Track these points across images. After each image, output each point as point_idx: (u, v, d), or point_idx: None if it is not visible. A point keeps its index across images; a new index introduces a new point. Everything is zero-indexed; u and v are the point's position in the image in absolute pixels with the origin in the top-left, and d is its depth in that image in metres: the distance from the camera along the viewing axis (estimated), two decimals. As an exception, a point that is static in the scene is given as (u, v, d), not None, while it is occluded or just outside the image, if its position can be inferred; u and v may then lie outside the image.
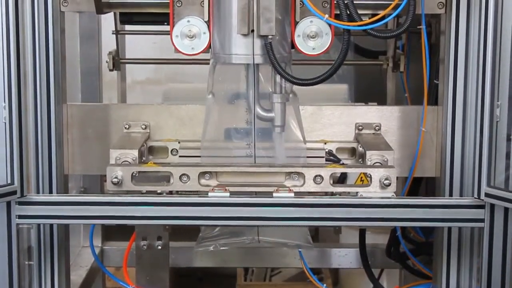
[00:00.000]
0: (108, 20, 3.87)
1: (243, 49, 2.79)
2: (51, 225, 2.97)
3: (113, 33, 3.75)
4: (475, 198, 2.75)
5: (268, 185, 2.81)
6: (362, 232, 3.76)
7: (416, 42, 3.55)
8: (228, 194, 2.71)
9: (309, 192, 2.82)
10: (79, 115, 3.13)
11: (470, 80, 2.92)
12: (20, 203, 2.72)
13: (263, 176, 2.84)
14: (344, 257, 4.23)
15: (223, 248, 3.23)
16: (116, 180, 2.78)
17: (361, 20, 2.73)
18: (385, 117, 3.16)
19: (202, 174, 2.81)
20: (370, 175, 2.80)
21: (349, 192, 2.86)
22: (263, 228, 3.25)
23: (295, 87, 2.94)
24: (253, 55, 2.79)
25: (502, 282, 2.76)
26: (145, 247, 3.82)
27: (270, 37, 2.75)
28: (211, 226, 3.38)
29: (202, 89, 3.03)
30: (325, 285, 3.28)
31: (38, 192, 2.96)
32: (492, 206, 2.72)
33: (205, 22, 2.85)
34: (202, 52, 2.86)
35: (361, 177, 2.98)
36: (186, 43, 2.86)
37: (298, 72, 2.85)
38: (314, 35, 2.83)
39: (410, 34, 3.66)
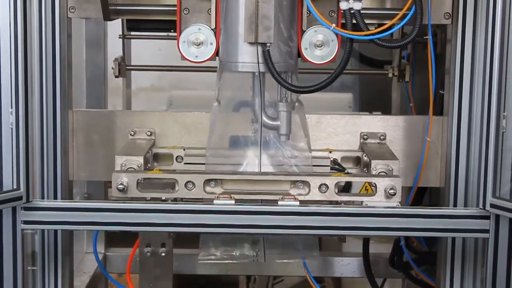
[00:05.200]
0: (113, 26, 3.88)
1: (249, 57, 2.78)
2: (56, 231, 2.97)
3: (119, 37, 3.75)
4: (480, 208, 2.75)
5: (273, 193, 2.81)
6: (366, 241, 3.76)
7: (421, 52, 3.55)
8: (233, 202, 2.71)
9: (314, 201, 2.82)
10: (85, 121, 3.14)
11: (476, 91, 2.92)
12: (26, 209, 2.71)
13: (268, 184, 2.83)
14: (347, 266, 4.22)
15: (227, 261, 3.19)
16: (121, 186, 2.78)
17: (368, 29, 2.73)
18: (390, 127, 3.16)
19: (207, 182, 2.80)
20: (375, 184, 2.80)
21: (354, 202, 2.86)
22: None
23: (301, 96, 2.94)
24: (258, 63, 2.79)
25: (506, 293, 2.77)
26: (148, 253, 3.81)
27: (268, 44, 2.75)
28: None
29: (206, 96, 3.03)
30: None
31: (42, 198, 2.97)
32: (497, 216, 2.72)
33: (212, 30, 2.85)
34: (208, 59, 2.86)
35: (366, 186, 2.98)
36: (192, 51, 2.85)
37: (306, 82, 2.84)
38: (320, 44, 2.83)
39: (415, 44, 3.67)
